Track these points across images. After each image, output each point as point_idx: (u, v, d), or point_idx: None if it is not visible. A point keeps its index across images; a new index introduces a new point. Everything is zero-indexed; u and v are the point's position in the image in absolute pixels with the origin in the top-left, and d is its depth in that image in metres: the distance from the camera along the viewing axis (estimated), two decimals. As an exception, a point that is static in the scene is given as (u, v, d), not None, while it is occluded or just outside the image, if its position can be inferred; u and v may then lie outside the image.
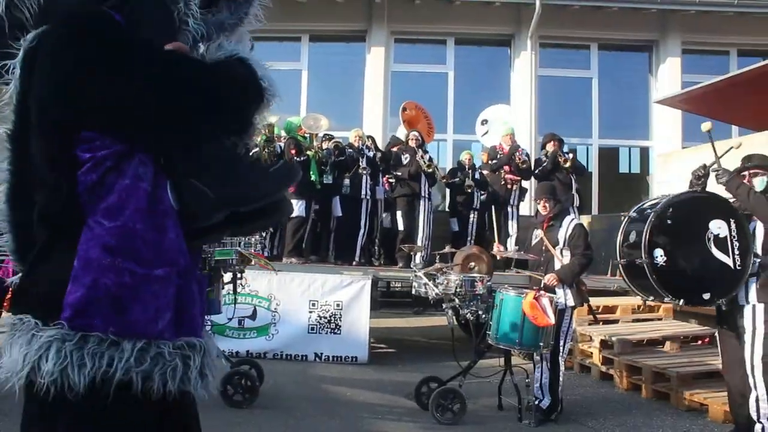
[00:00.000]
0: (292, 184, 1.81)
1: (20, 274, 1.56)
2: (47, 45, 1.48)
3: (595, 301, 6.65)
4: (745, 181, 4.48)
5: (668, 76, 13.06)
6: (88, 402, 1.38)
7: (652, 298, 4.74)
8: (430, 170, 8.93)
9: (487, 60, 13.93)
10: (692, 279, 4.39)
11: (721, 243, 4.31)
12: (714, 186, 4.56)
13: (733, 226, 4.34)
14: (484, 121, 10.20)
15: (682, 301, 4.51)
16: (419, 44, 13.73)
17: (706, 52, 13.48)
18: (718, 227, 4.33)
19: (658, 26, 13.15)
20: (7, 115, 1.53)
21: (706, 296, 4.38)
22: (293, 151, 8.55)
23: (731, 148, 4.69)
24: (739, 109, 9.39)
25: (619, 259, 4.67)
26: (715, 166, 4.49)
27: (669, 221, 4.37)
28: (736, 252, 4.30)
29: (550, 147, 9.43)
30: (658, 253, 4.30)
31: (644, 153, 13.58)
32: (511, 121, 10.19)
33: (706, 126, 4.71)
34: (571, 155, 9.57)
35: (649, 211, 4.48)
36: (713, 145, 4.57)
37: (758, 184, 4.46)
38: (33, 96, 1.47)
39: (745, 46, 13.19)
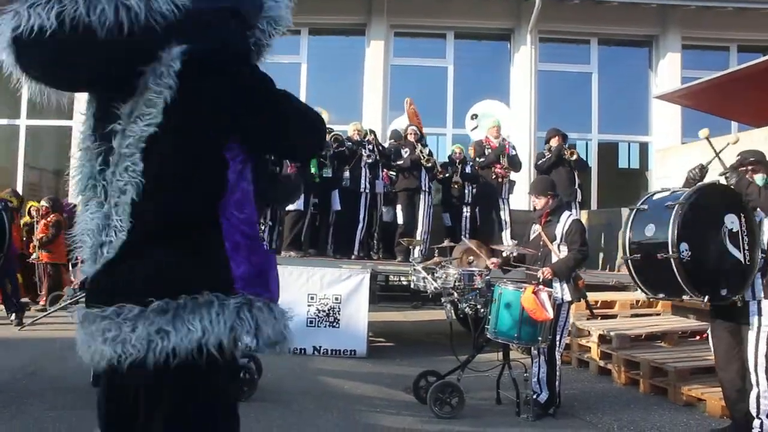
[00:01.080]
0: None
1: (143, 264, 1.65)
2: (216, 71, 1.70)
3: (593, 296, 6.66)
4: (747, 177, 4.44)
5: (668, 71, 13.06)
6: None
7: (662, 295, 4.52)
8: (429, 164, 8.93)
9: (486, 54, 13.93)
10: (712, 274, 4.21)
11: (734, 237, 4.18)
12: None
13: (743, 220, 4.22)
14: (474, 116, 10.18)
15: (706, 297, 4.22)
16: (419, 38, 13.70)
17: (706, 48, 13.47)
18: (731, 221, 4.19)
19: (658, 21, 13.14)
20: (151, 115, 1.63)
21: (724, 292, 4.20)
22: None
23: (728, 144, 4.63)
24: (738, 105, 9.39)
25: (628, 254, 4.45)
26: (722, 169, 4.40)
27: (692, 214, 4.16)
28: (746, 247, 4.20)
29: (554, 142, 9.41)
30: (684, 247, 4.07)
31: (643, 148, 13.59)
32: (499, 116, 10.14)
33: (704, 132, 4.59)
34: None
35: (670, 203, 4.24)
36: (714, 150, 4.46)
37: (758, 180, 4.43)
38: (190, 107, 1.65)
39: (745, 41, 13.19)
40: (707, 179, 4.53)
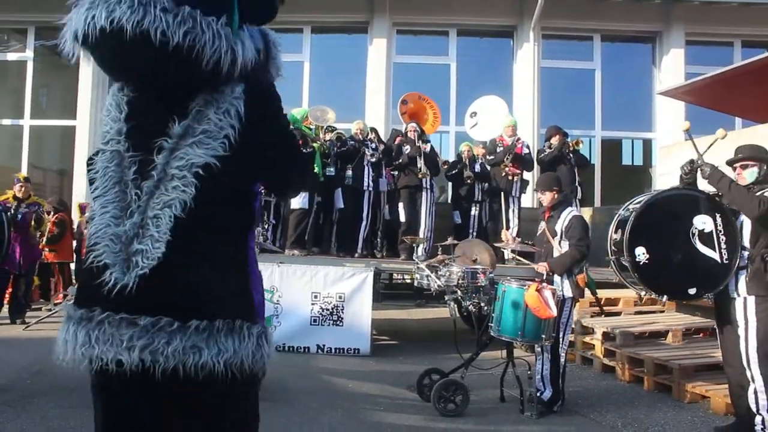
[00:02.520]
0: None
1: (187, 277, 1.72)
2: (268, 111, 1.85)
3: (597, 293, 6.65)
4: (736, 173, 4.51)
5: (672, 67, 13.01)
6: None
7: (644, 292, 4.80)
8: (427, 151, 8.94)
9: (489, 51, 13.91)
10: (676, 275, 4.46)
11: (706, 238, 4.38)
12: (704, 181, 4.57)
13: (719, 220, 4.40)
14: (473, 114, 10.12)
15: (665, 297, 4.70)
16: (421, 35, 13.70)
17: (710, 44, 13.41)
18: (702, 222, 4.40)
19: (661, 17, 13.09)
20: (210, 147, 1.73)
21: (692, 291, 4.47)
22: (299, 143, 8.53)
23: (716, 139, 4.72)
24: (742, 101, 9.36)
25: (610, 256, 4.75)
26: (699, 161, 4.51)
27: (650, 220, 4.45)
28: (723, 246, 4.37)
29: (555, 140, 9.40)
30: (640, 251, 4.39)
31: (647, 145, 13.56)
32: (497, 112, 10.08)
33: (684, 125, 4.84)
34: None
35: (632, 207, 4.57)
36: (693, 143, 4.62)
37: (748, 175, 4.45)
38: (245, 142, 1.75)
39: (749, 37, 13.12)
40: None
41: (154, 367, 1.63)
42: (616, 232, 4.68)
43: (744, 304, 4.35)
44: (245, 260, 1.84)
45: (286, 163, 1.91)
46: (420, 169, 8.97)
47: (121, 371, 1.64)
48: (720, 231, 4.38)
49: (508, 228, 8.57)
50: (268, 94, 1.87)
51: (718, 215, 4.41)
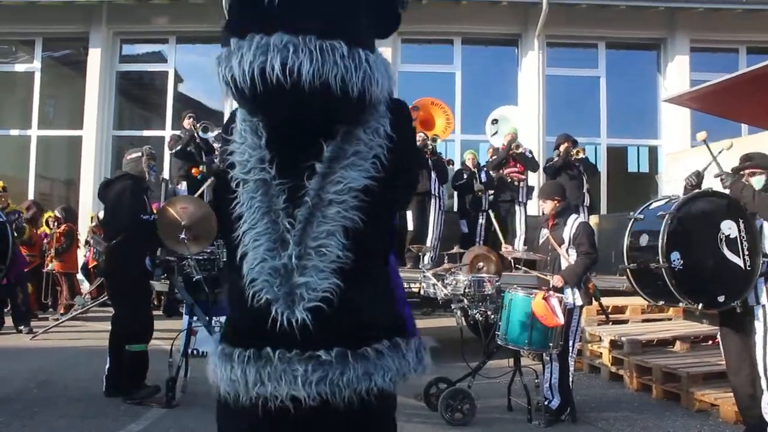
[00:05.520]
0: None
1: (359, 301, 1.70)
2: (406, 130, 1.83)
3: (604, 301, 6.61)
4: (743, 180, 4.45)
5: (676, 74, 12.99)
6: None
7: (662, 302, 4.60)
8: (432, 147, 8.97)
9: (494, 60, 13.92)
10: (708, 282, 4.26)
11: (732, 244, 4.21)
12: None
13: (742, 226, 4.25)
14: (494, 121, 10.16)
15: (700, 305, 4.32)
16: (426, 44, 13.73)
17: (715, 50, 13.41)
18: (728, 228, 4.23)
19: (666, 24, 13.09)
20: (363, 168, 1.68)
21: (721, 299, 4.25)
22: None
23: (722, 149, 4.62)
24: (748, 107, 9.31)
25: (627, 263, 4.51)
26: (717, 171, 4.44)
27: (683, 223, 4.23)
28: (746, 252, 4.22)
29: (563, 148, 9.40)
30: (675, 256, 4.15)
31: (653, 152, 13.52)
32: (517, 121, 10.15)
33: (701, 135, 4.65)
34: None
35: (661, 212, 4.31)
36: (711, 153, 4.51)
37: (756, 183, 4.41)
38: (394, 161, 1.72)
39: (754, 43, 13.09)
40: (704, 185, 4.54)
41: (329, 399, 1.60)
42: (635, 237, 4.49)
43: (764, 312, 4.25)
44: (389, 277, 1.86)
45: (413, 188, 1.98)
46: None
47: (293, 408, 1.61)
48: (743, 237, 4.23)
49: (506, 240, 8.55)
50: (405, 108, 1.85)
51: (741, 220, 4.26)
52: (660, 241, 4.17)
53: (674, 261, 4.14)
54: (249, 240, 1.68)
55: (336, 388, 1.60)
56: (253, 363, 1.64)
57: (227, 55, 1.61)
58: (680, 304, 4.54)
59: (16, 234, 8.49)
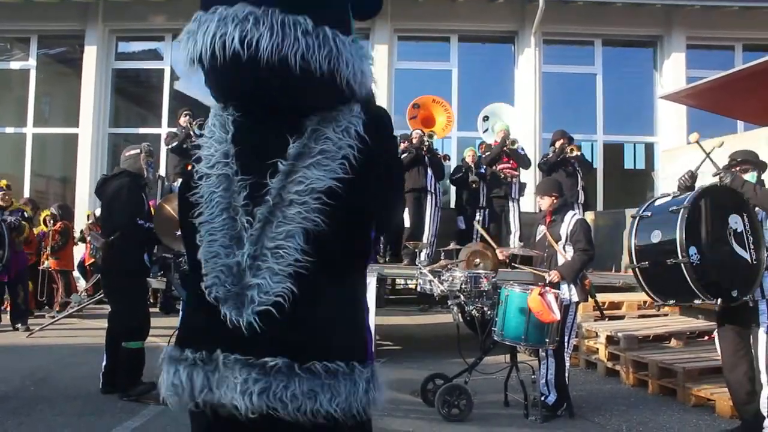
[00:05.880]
0: None
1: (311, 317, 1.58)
2: (384, 137, 1.72)
3: (600, 297, 6.64)
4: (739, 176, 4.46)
5: (673, 71, 13.02)
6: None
7: (672, 301, 4.52)
8: (427, 144, 9.00)
9: (490, 57, 13.93)
10: (722, 276, 4.15)
11: (739, 238, 4.14)
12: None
13: (746, 220, 4.19)
14: (485, 118, 10.18)
15: (719, 300, 4.24)
16: (423, 42, 13.73)
17: (711, 47, 13.42)
18: (735, 222, 4.16)
19: (662, 21, 13.11)
20: (329, 168, 1.57)
21: (735, 293, 4.14)
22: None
23: (714, 148, 4.59)
24: (744, 104, 9.34)
25: (636, 262, 4.33)
26: (715, 170, 4.43)
27: (698, 217, 4.12)
28: (751, 246, 4.16)
29: (558, 144, 9.41)
30: (693, 250, 3.99)
31: (649, 149, 13.56)
32: (508, 118, 10.16)
33: (693, 137, 4.62)
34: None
35: (674, 207, 4.18)
36: (705, 152, 4.49)
37: (749, 178, 4.43)
38: (365, 166, 1.61)
39: (750, 40, 13.12)
40: (697, 184, 4.48)
41: (269, 413, 1.49)
42: (643, 234, 4.36)
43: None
44: (361, 293, 1.73)
45: (391, 206, 1.80)
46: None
47: (238, 417, 1.51)
48: (747, 230, 4.17)
49: (497, 243, 8.58)
50: (385, 116, 1.73)
51: (744, 214, 4.20)
52: (678, 235, 4.03)
53: (693, 256, 4.00)
54: (205, 233, 1.62)
55: (279, 403, 1.48)
56: (201, 367, 1.55)
57: (195, 30, 1.56)
58: (696, 301, 4.37)
59: (18, 232, 8.52)
